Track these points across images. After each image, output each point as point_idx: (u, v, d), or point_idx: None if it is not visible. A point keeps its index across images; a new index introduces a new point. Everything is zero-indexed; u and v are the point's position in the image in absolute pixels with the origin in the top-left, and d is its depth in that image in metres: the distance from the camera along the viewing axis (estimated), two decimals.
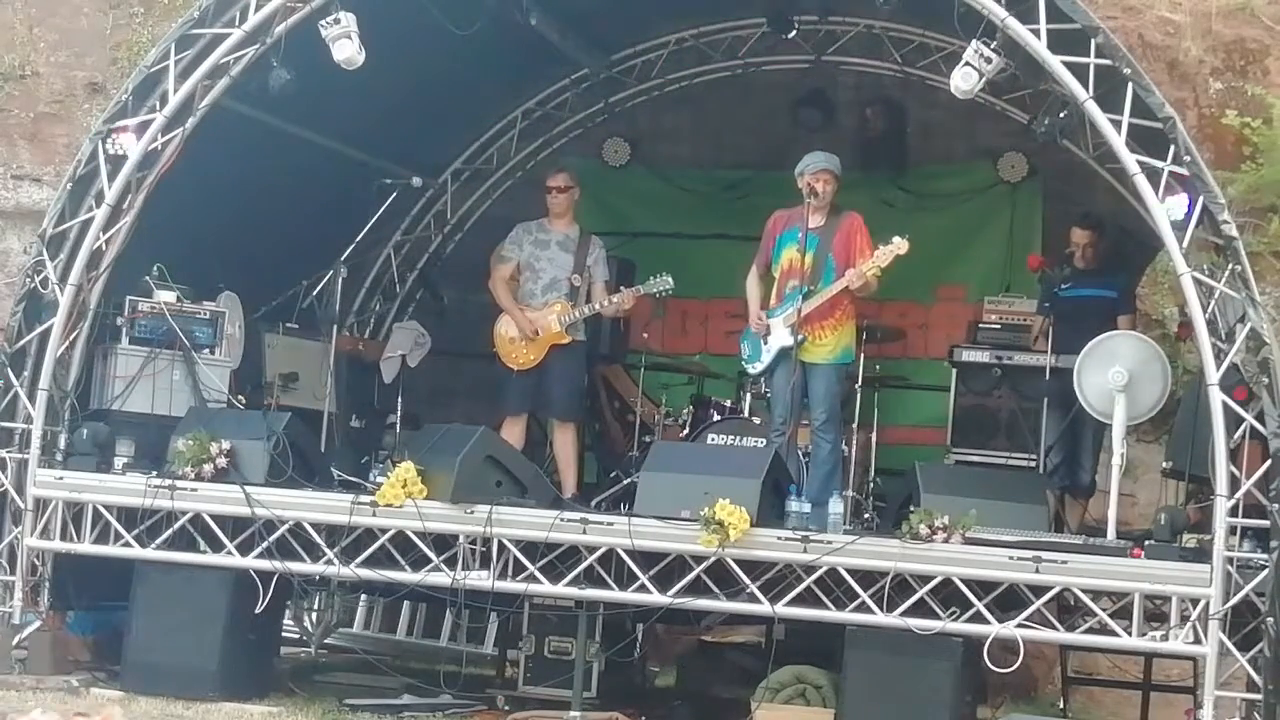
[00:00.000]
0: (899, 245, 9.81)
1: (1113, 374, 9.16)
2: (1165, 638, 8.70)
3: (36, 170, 13.73)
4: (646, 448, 10.77)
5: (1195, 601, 8.59)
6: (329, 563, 9.56)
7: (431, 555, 9.43)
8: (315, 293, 11.58)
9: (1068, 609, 9.01)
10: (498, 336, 11.05)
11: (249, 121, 10.42)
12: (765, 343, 10.03)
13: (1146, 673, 10.64)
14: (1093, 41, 8.90)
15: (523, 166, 13.28)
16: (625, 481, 10.88)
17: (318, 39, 9.72)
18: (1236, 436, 8.62)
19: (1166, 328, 12.15)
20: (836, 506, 9.49)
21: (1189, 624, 8.61)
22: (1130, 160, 8.84)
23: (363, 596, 12.22)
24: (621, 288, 11.08)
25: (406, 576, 9.50)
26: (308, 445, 10.29)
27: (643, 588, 9.18)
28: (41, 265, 10.06)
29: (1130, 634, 8.73)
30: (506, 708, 9.91)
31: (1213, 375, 8.65)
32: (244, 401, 10.69)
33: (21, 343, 10.07)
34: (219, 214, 10.67)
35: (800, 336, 9.79)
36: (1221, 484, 8.56)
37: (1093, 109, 8.91)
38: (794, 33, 12.20)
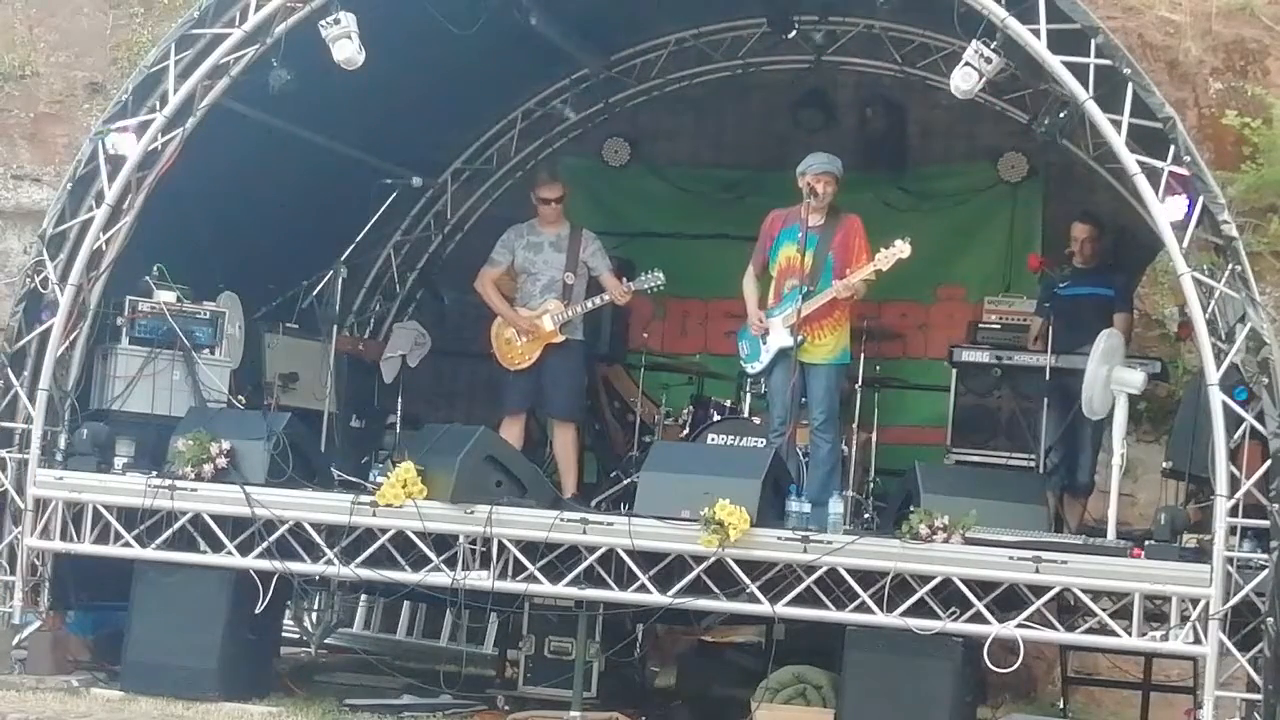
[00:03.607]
0: (901, 249, 9.77)
1: (1140, 380, 9.22)
2: (1165, 638, 8.70)
3: (36, 170, 13.72)
4: (646, 448, 10.77)
5: (1195, 601, 8.59)
6: (329, 563, 9.55)
7: (431, 555, 9.42)
8: (315, 293, 11.55)
9: (1068, 609, 9.01)
10: (494, 337, 11.07)
11: (249, 121, 10.42)
12: (764, 343, 10.02)
13: (1146, 673, 10.63)
14: (1093, 41, 8.89)
15: (523, 166, 13.26)
16: (625, 481, 10.87)
17: (318, 39, 9.72)
18: (1236, 436, 8.62)
19: (1166, 328, 12.14)
20: (836, 506, 9.48)
21: (1189, 624, 8.60)
22: (1130, 160, 8.84)
23: (363, 596, 12.21)
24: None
25: (406, 576, 9.49)
26: (308, 445, 10.28)
27: (643, 588, 9.17)
28: (41, 265, 10.06)
29: (1130, 634, 8.73)
30: (506, 708, 9.91)
31: (1213, 375, 8.65)
32: (244, 401, 10.69)
33: (21, 343, 10.07)
34: (219, 214, 10.67)
35: (800, 337, 9.78)
36: (1221, 484, 8.56)
37: (1093, 109, 8.90)
38: (794, 33, 12.16)
